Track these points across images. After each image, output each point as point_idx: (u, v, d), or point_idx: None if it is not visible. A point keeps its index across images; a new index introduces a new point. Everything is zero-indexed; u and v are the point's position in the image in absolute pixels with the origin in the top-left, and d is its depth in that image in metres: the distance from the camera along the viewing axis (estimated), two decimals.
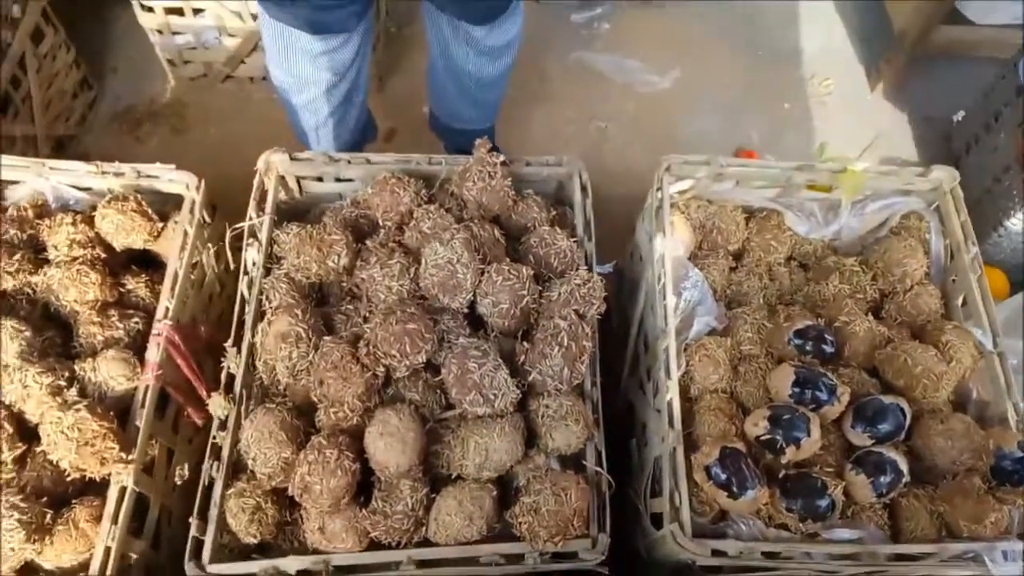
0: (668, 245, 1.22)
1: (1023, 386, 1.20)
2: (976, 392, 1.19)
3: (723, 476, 1.03)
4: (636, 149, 2.12)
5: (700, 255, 1.35)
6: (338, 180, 1.32)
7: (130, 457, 1.04)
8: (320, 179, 1.33)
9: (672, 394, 1.10)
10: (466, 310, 1.13)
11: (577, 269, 1.18)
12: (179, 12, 1.91)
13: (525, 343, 1.10)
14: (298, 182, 1.33)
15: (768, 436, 1.05)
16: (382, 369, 1.02)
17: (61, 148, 2.00)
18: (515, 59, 1.56)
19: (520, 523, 1.00)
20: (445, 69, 1.56)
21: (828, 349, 1.15)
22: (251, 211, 1.24)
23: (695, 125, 2.22)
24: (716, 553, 1.01)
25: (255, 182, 1.27)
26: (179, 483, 1.15)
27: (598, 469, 1.08)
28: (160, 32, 1.98)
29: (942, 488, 1.09)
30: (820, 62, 2.36)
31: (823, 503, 1.02)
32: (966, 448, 1.08)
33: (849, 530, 1.04)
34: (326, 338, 1.04)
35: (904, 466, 1.06)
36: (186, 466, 1.15)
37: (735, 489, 1.02)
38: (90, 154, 2.05)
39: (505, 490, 1.08)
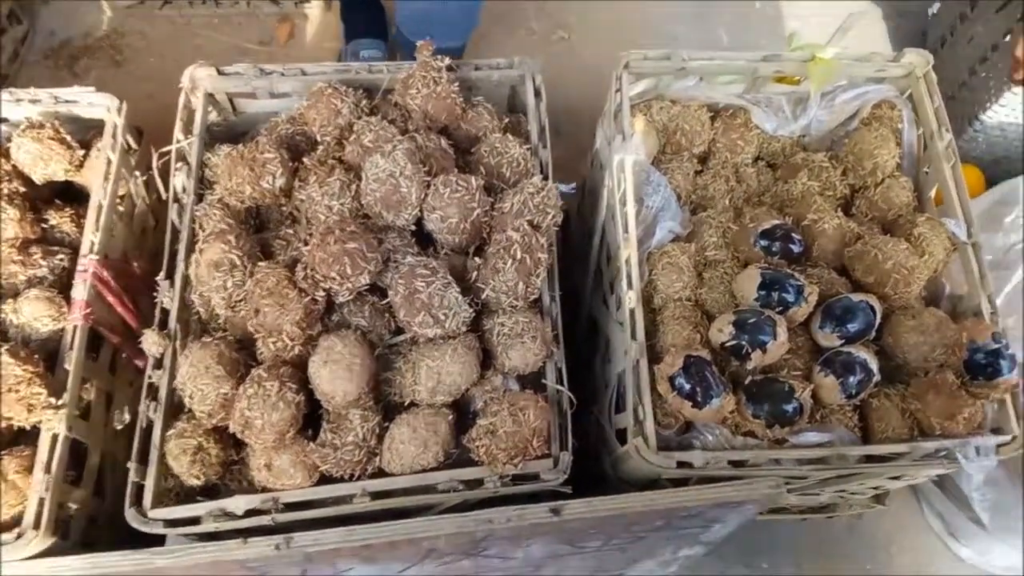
0: (628, 149, 1.14)
1: None
2: (949, 286, 1.15)
3: (687, 386, 0.98)
4: (602, 59, 2.00)
5: (664, 159, 1.27)
6: (273, 96, 1.22)
7: (60, 402, 0.98)
8: (254, 95, 1.23)
9: (634, 304, 1.04)
10: (413, 227, 1.06)
11: (531, 178, 1.11)
12: None
13: (477, 259, 1.04)
14: (231, 101, 1.24)
15: (733, 342, 1.00)
16: (322, 293, 0.95)
17: None
18: None
19: (477, 447, 0.96)
20: None
21: (796, 249, 1.09)
22: (177, 132, 1.15)
23: (663, 29, 2.11)
24: (682, 465, 0.98)
25: (180, 101, 1.18)
26: (120, 428, 1.09)
27: (558, 387, 1.03)
28: None
29: (913, 386, 1.05)
30: None
31: (790, 407, 0.98)
32: (938, 343, 1.04)
33: (818, 434, 1.00)
34: (260, 264, 0.97)
35: (874, 365, 1.02)
36: (127, 410, 1.10)
37: (700, 398, 0.98)
38: None
39: (462, 414, 1.03)
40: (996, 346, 1.00)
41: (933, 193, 1.21)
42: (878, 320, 1.05)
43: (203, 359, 0.96)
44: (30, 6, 2.06)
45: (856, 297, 1.05)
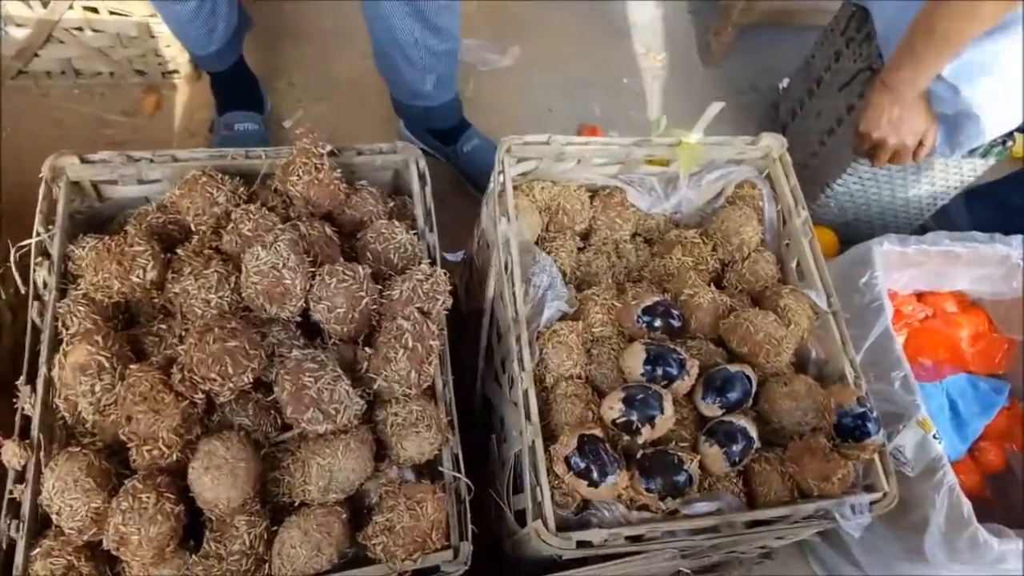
0: (513, 230, 1.17)
1: None
2: (815, 351, 1.23)
3: (582, 465, 1.00)
4: (480, 131, 2.07)
5: (547, 237, 1.31)
6: (141, 182, 1.17)
7: None
8: (120, 182, 1.17)
9: (527, 385, 1.06)
10: (299, 318, 1.03)
11: (419, 263, 1.11)
12: None
13: (367, 348, 1.02)
14: (95, 188, 1.17)
15: (624, 418, 1.03)
16: (201, 395, 0.90)
17: None
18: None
19: (374, 545, 0.93)
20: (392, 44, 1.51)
21: (675, 323, 1.14)
22: (38, 225, 1.08)
23: (538, 102, 2.20)
24: (581, 544, 0.99)
25: (41, 192, 1.11)
26: None
27: (456, 475, 1.02)
28: None
29: (790, 449, 1.11)
30: (654, 36, 2.41)
31: (681, 478, 1.02)
32: (809, 408, 1.11)
33: (707, 503, 1.04)
34: (132, 367, 0.91)
35: (754, 432, 1.08)
36: None
37: (595, 476, 0.99)
38: None
39: (356, 509, 1.00)
40: (862, 409, 1.08)
41: (794, 264, 1.30)
42: (754, 388, 1.12)
43: (70, 471, 0.89)
44: None
45: (733, 368, 1.11)
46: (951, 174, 1.88)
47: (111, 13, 1.75)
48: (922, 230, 1.95)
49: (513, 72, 2.24)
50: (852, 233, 2.01)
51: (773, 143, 1.34)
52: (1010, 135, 1.74)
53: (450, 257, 1.73)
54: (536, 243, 1.30)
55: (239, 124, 1.79)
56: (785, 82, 2.31)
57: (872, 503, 1.07)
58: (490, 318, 1.26)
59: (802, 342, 1.22)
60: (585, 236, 1.36)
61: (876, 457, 1.10)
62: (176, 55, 1.87)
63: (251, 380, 0.93)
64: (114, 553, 0.87)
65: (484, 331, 1.27)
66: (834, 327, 1.21)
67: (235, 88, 1.81)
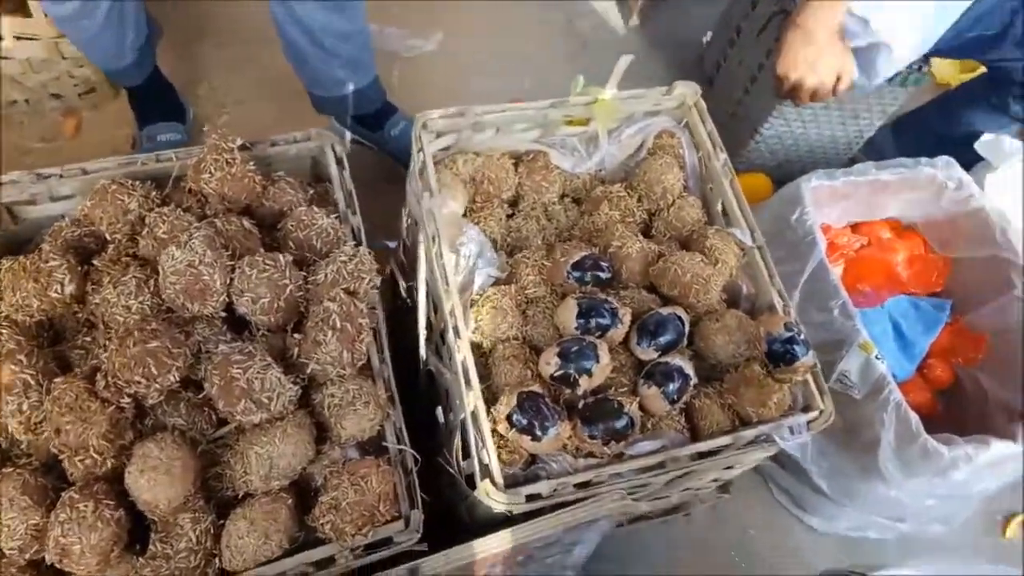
0: (436, 203, 1.17)
1: None
2: (745, 287, 1.25)
3: (524, 421, 1.01)
4: (408, 114, 2.07)
5: (476, 208, 1.32)
6: (54, 199, 1.16)
7: None
8: (34, 202, 1.16)
9: (465, 352, 1.06)
10: (223, 314, 1.03)
11: (343, 246, 1.11)
12: None
13: (296, 335, 1.02)
14: (8, 210, 1.16)
15: (560, 372, 1.04)
16: (128, 400, 0.90)
17: None
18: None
19: (323, 524, 0.93)
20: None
21: (604, 275, 1.16)
22: None
23: (468, 84, 2.20)
24: (531, 498, 1.00)
25: None
26: None
27: (400, 447, 1.03)
28: None
29: (727, 381, 1.14)
30: (576, 4, 2.41)
31: (621, 423, 1.03)
32: (741, 340, 1.14)
33: (650, 442, 1.06)
34: (56, 380, 0.91)
35: (690, 369, 1.10)
36: None
37: (537, 431, 1.01)
38: None
39: (304, 493, 1.00)
40: (789, 334, 1.10)
41: (720, 207, 1.32)
42: (687, 328, 1.14)
43: (5, 492, 0.88)
44: None
45: (665, 311, 1.13)
46: (873, 105, 1.92)
47: (16, 38, 1.72)
48: (852, 164, 1.99)
49: (438, 56, 2.23)
50: (785, 175, 2.02)
51: (687, 91, 1.36)
52: (925, 60, 1.78)
53: (391, 244, 1.73)
54: (465, 215, 1.30)
55: (161, 135, 1.77)
56: (708, 35, 2.33)
57: (809, 422, 1.10)
58: (426, 293, 1.26)
59: (732, 279, 1.24)
60: (514, 203, 1.36)
61: (810, 378, 1.13)
62: (91, 74, 1.84)
63: (177, 379, 0.93)
64: (58, 566, 0.86)
65: (421, 307, 1.28)
66: (760, 261, 1.23)
67: (154, 100, 1.79)
